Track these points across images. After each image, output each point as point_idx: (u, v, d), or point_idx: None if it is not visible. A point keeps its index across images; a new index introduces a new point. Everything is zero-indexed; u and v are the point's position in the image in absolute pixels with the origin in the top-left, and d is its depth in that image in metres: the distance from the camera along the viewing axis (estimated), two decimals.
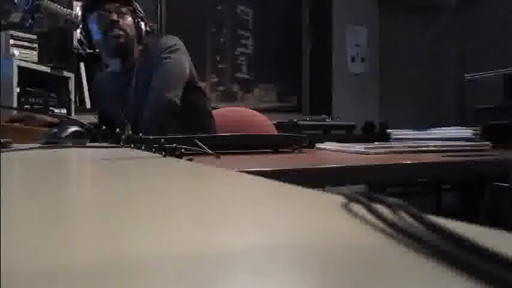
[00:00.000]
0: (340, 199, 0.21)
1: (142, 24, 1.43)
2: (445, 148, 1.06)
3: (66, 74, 2.51)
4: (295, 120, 3.30)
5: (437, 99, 3.81)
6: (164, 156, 0.60)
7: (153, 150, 0.69)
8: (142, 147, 0.74)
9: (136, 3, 1.43)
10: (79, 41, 1.44)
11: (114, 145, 0.90)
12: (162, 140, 0.68)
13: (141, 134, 0.78)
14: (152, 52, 1.40)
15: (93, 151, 0.79)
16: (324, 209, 0.20)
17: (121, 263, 0.12)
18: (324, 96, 3.85)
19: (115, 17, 1.36)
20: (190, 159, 0.61)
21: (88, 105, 2.73)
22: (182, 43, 1.44)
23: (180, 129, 1.31)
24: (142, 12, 1.45)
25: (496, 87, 2.55)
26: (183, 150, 0.66)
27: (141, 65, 1.41)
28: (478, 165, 0.87)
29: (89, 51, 1.44)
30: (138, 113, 1.35)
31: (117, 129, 1.48)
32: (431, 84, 3.87)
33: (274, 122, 2.09)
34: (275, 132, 1.77)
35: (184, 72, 1.41)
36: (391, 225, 0.15)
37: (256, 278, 0.11)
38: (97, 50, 1.45)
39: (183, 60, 1.41)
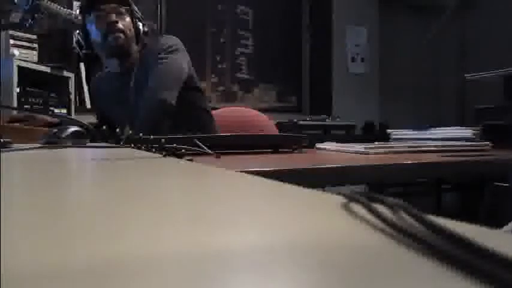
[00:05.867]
0: (340, 199, 0.21)
1: (140, 24, 1.43)
2: (445, 148, 1.06)
3: (66, 74, 2.51)
4: (295, 120, 3.30)
5: (437, 99, 3.81)
6: (164, 156, 0.60)
7: (153, 150, 0.69)
8: (143, 147, 0.74)
9: (133, 4, 1.43)
10: (77, 42, 1.44)
11: (114, 145, 0.90)
12: (162, 140, 0.68)
13: (141, 134, 0.78)
14: (151, 52, 1.40)
15: (93, 151, 0.79)
16: (324, 209, 0.20)
17: (121, 263, 0.12)
18: (324, 96, 3.85)
19: (114, 17, 1.36)
20: (191, 160, 0.61)
21: (88, 105, 2.73)
22: (181, 43, 1.43)
23: (180, 129, 1.31)
24: (139, 12, 1.45)
25: (496, 87, 2.55)
26: (183, 150, 0.66)
27: (140, 65, 1.41)
28: (478, 165, 0.87)
29: (86, 51, 1.43)
30: (138, 113, 1.35)
31: (117, 129, 1.48)
32: (431, 84, 3.86)
33: (274, 122, 2.09)
34: (275, 132, 1.77)
35: (182, 73, 1.40)
36: (391, 225, 0.15)
37: (256, 277, 0.11)
38: (95, 51, 1.45)
39: (181, 61, 1.41)
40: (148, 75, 1.36)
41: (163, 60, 1.37)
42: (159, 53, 1.37)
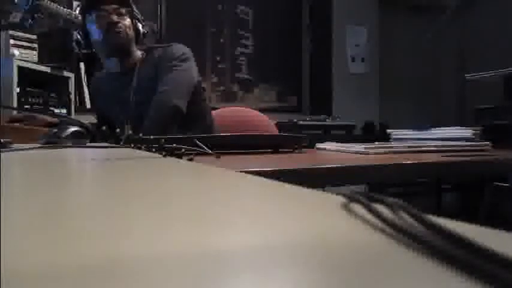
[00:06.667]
0: (340, 199, 0.21)
1: (140, 26, 1.44)
2: (445, 148, 1.06)
3: (66, 74, 2.51)
4: (295, 120, 3.30)
5: (437, 99, 3.81)
6: (164, 156, 0.60)
7: (154, 150, 0.69)
8: (143, 148, 0.74)
9: (133, 5, 1.43)
10: (77, 42, 1.45)
11: (115, 145, 0.90)
12: (162, 140, 0.68)
13: (141, 134, 0.78)
14: (162, 59, 1.41)
15: (93, 151, 0.79)
16: (324, 209, 0.20)
17: (121, 263, 0.12)
18: (324, 96, 3.85)
19: (115, 17, 1.36)
20: (191, 159, 0.61)
21: (88, 105, 2.73)
22: (191, 52, 1.46)
23: (181, 128, 1.32)
24: (139, 14, 1.46)
25: (496, 87, 2.55)
26: (183, 150, 0.66)
27: (144, 67, 1.42)
28: (478, 165, 0.87)
29: (85, 51, 1.44)
30: (138, 114, 1.35)
31: (117, 129, 1.49)
32: (431, 84, 3.86)
33: (274, 122, 2.10)
34: (275, 132, 1.77)
35: (193, 82, 1.44)
36: (391, 225, 0.15)
37: (256, 277, 0.11)
38: (94, 51, 1.45)
39: (192, 69, 1.44)
40: (160, 79, 1.37)
41: (177, 68, 1.39)
42: (171, 60, 1.39)
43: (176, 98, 1.35)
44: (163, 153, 0.62)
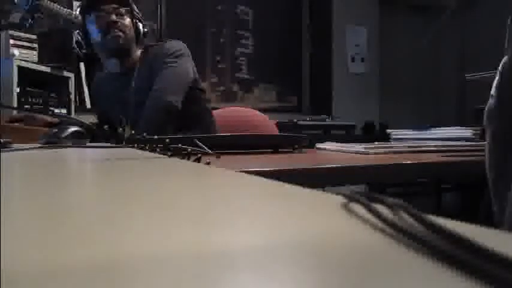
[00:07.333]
0: (340, 199, 0.21)
1: (140, 25, 1.44)
2: (445, 148, 1.06)
3: (66, 74, 2.51)
4: (295, 120, 3.30)
5: (437, 99, 3.81)
6: (170, 156, 0.60)
7: (158, 150, 0.69)
8: (146, 148, 0.74)
9: (133, 5, 1.43)
10: (77, 42, 1.45)
11: (117, 145, 0.90)
12: (167, 140, 0.68)
13: (145, 134, 0.78)
14: (157, 56, 1.40)
15: (94, 151, 0.79)
16: (324, 209, 0.20)
17: (121, 263, 0.12)
18: (324, 96, 3.85)
19: (114, 17, 1.36)
20: (199, 160, 0.61)
21: (88, 105, 2.73)
22: (187, 48, 1.45)
23: (182, 128, 1.32)
24: (139, 13, 1.45)
25: None
26: (189, 150, 0.66)
27: (142, 67, 1.41)
28: (478, 165, 0.87)
29: (85, 51, 1.44)
30: (138, 114, 1.35)
31: (119, 129, 1.48)
32: (431, 84, 3.86)
33: (274, 122, 2.10)
34: (275, 132, 1.77)
35: (188, 78, 1.42)
36: (391, 225, 0.15)
37: (256, 278, 0.11)
38: (95, 51, 1.45)
39: (187, 66, 1.43)
40: (154, 77, 1.37)
41: (171, 65, 1.38)
42: (165, 57, 1.38)
43: (170, 95, 1.34)
44: (169, 153, 0.62)
